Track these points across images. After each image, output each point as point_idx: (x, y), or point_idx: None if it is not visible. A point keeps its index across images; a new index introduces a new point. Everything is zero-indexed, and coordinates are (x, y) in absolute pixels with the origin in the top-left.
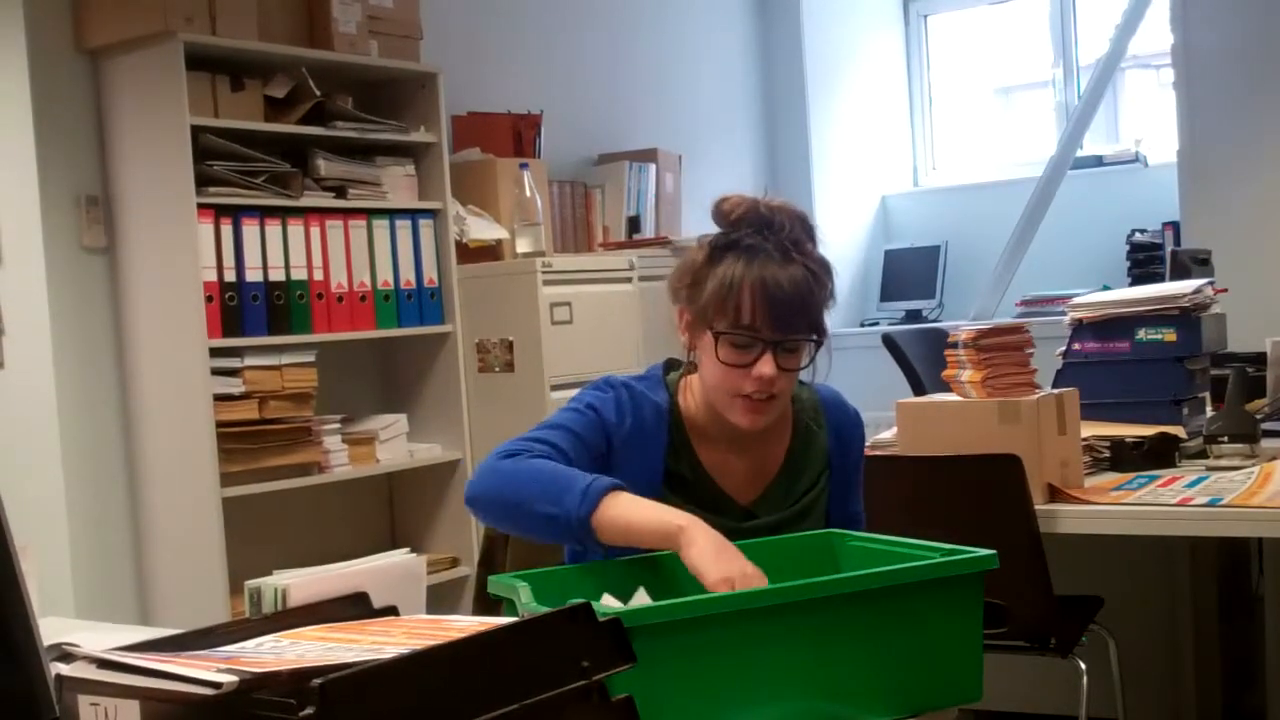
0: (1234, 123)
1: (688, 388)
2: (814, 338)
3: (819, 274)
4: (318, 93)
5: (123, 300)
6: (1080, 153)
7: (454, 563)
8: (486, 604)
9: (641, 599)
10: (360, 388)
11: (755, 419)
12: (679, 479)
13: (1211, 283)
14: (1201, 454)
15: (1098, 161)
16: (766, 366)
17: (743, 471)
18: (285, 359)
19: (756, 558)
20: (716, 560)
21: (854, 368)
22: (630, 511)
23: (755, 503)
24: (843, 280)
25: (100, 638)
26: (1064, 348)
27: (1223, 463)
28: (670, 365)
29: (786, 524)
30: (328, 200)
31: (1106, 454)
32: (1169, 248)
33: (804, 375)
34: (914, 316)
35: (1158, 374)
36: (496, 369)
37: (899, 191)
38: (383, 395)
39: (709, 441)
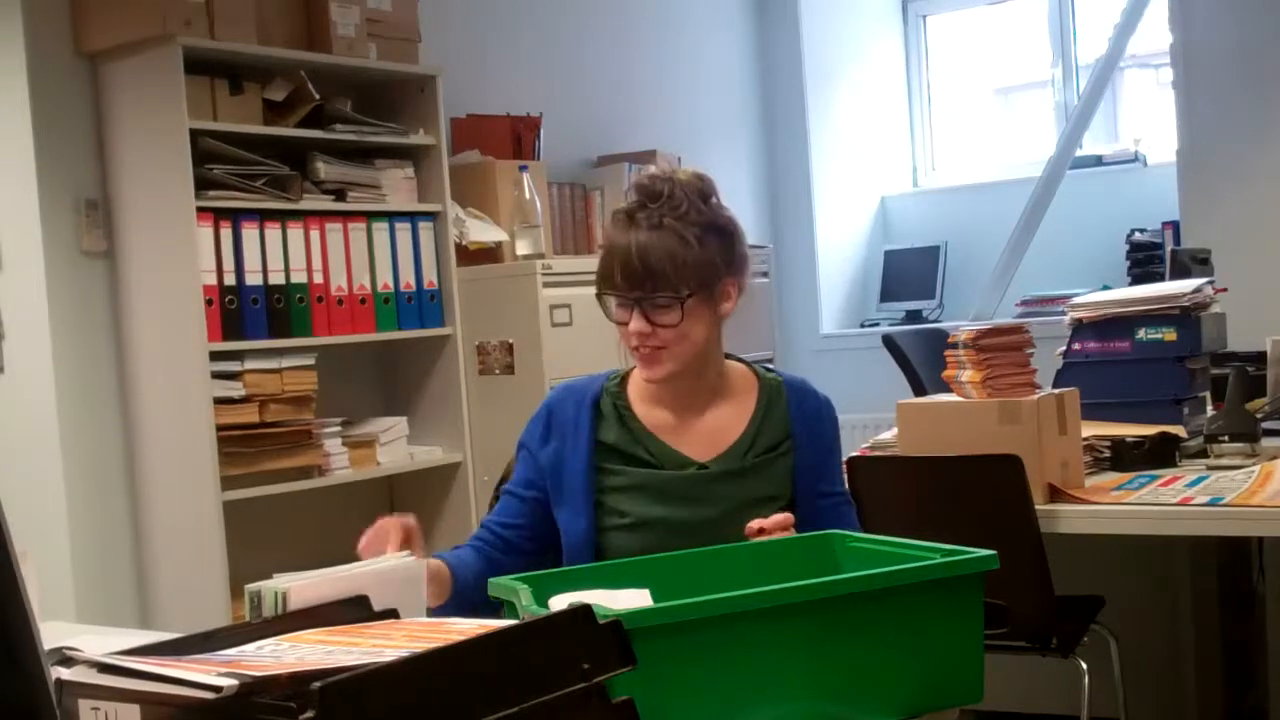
0: (1233, 122)
1: None
2: (680, 296)
3: (695, 238)
4: (317, 96)
5: (122, 304)
6: (1080, 152)
7: None
8: (487, 607)
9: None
10: (360, 390)
11: (649, 369)
12: (609, 447)
13: (1211, 282)
14: (1202, 453)
15: (1097, 161)
16: (635, 323)
17: (701, 434)
18: (285, 362)
19: (757, 558)
20: None
21: (854, 368)
22: None
23: (712, 460)
24: (842, 281)
25: (101, 642)
26: (1064, 348)
27: (1223, 462)
28: None
29: (736, 475)
30: (327, 203)
31: (1107, 454)
32: (1169, 247)
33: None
34: (914, 317)
35: (1158, 373)
36: (497, 371)
37: (898, 192)
38: (383, 398)
39: (663, 408)
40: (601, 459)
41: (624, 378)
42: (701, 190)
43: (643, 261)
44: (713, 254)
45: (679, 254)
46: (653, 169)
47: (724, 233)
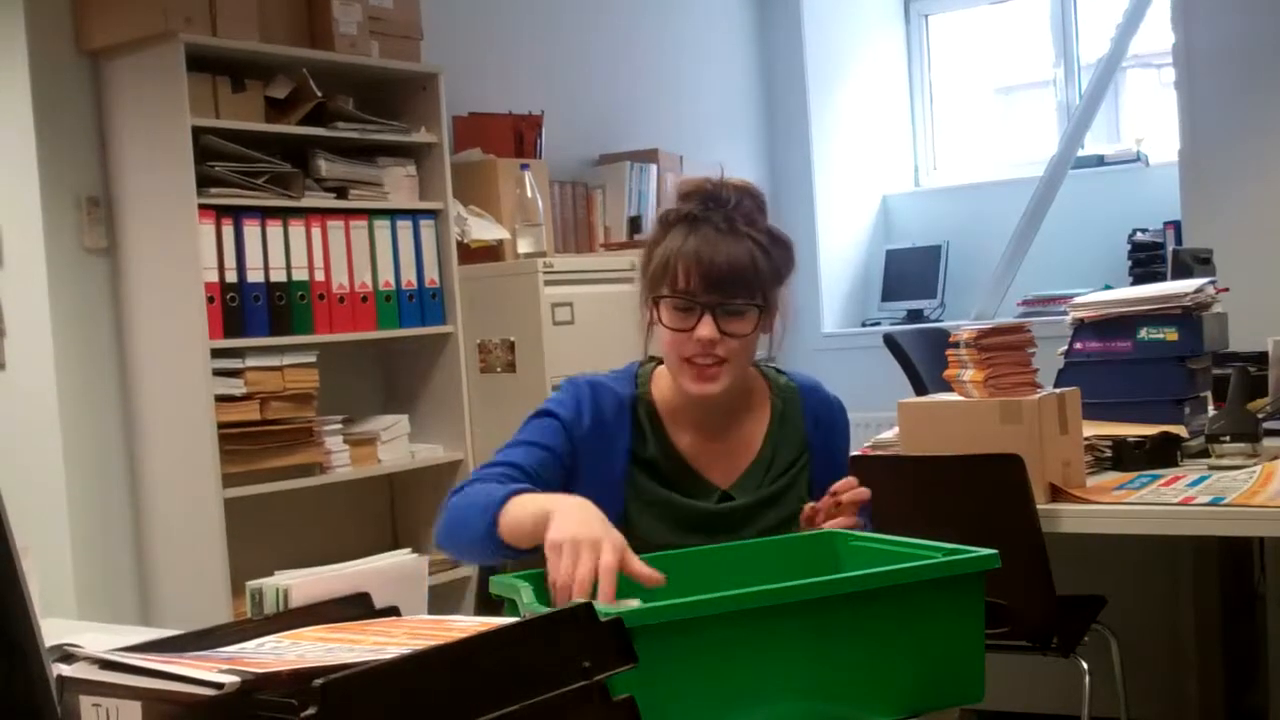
0: (1235, 122)
1: (660, 376)
2: (756, 303)
3: (766, 246)
4: (318, 93)
5: (124, 301)
6: (1081, 152)
7: (456, 563)
8: (488, 604)
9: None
10: (362, 388)
11: (703, 384)
12: (647, 464)
13: (1213, 282)
14: (1203, 453)
15: (1099, 161)
16: (705, 329)
17: (721, 455)
18: (286, 360)
19: (757, 558)
20: (564, 525)
21: (855, 367)
22: (520, 509)
23: (734, 485)
24: (844, 280)
25: (102, 638)
26: (1065, 347)
27: (1224, 462)
28: (653, 361)
29: (762, 505)
30: (329, 201)
31: (1108, 453)
32: (1170, 247)
33: (761, 345)
34: (915, 316)
35: (1159, 373)
36: (498, 369)
37: (900, 191)
38: (384, 396)
39: (684, 426)
40: (634, 472)
41: (644, 384)
42: (759, 199)
43: (729, 265)
44: (778, 264)
45: (760, 261)
46: (690, 177)
47: (784, 244)
